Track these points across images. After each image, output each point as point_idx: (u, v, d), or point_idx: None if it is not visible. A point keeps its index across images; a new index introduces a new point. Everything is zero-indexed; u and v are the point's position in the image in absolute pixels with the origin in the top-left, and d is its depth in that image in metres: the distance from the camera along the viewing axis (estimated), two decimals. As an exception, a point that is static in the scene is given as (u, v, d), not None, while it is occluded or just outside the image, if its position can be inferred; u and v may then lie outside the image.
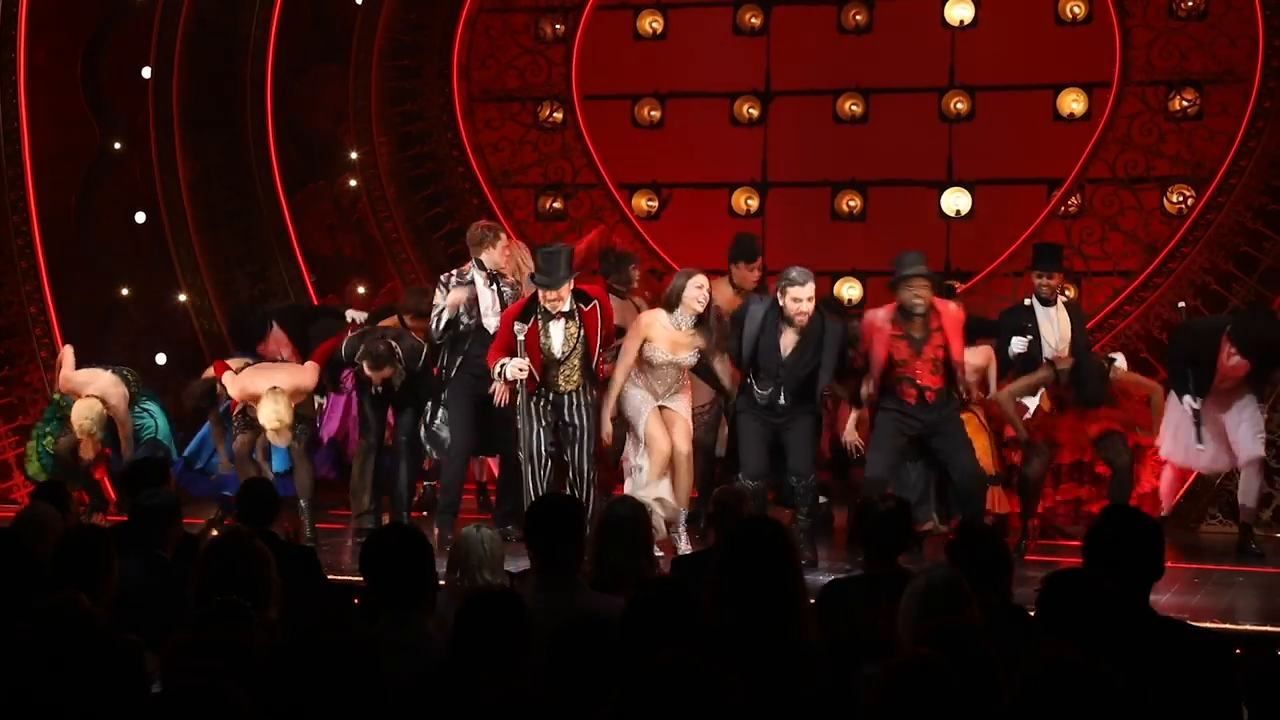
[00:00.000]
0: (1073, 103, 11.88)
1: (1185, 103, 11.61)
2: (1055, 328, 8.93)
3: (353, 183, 12.58)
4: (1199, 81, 11.59)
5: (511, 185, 12.99)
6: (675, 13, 12.60)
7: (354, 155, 12.60)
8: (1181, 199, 11.53)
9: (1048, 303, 8.98)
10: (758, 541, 4.42)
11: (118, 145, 11.62)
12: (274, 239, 12.40)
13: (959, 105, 12.09)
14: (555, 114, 12.95)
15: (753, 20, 12.48)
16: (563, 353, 8.67)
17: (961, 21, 12.09)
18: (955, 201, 11.99)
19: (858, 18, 12.25)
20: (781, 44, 12.49)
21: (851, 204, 12.12)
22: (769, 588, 4.28)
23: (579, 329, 8.67)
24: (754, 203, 12.44)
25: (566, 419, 8.79)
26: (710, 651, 3.66)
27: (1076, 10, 11.83)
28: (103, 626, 4.42)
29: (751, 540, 4.45)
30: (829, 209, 12.01)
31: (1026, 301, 9.21)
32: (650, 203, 12.79)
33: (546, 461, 8.88)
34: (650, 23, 12.68)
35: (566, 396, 8.76)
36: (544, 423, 8.81)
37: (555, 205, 12.87)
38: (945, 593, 4.49)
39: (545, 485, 8.80)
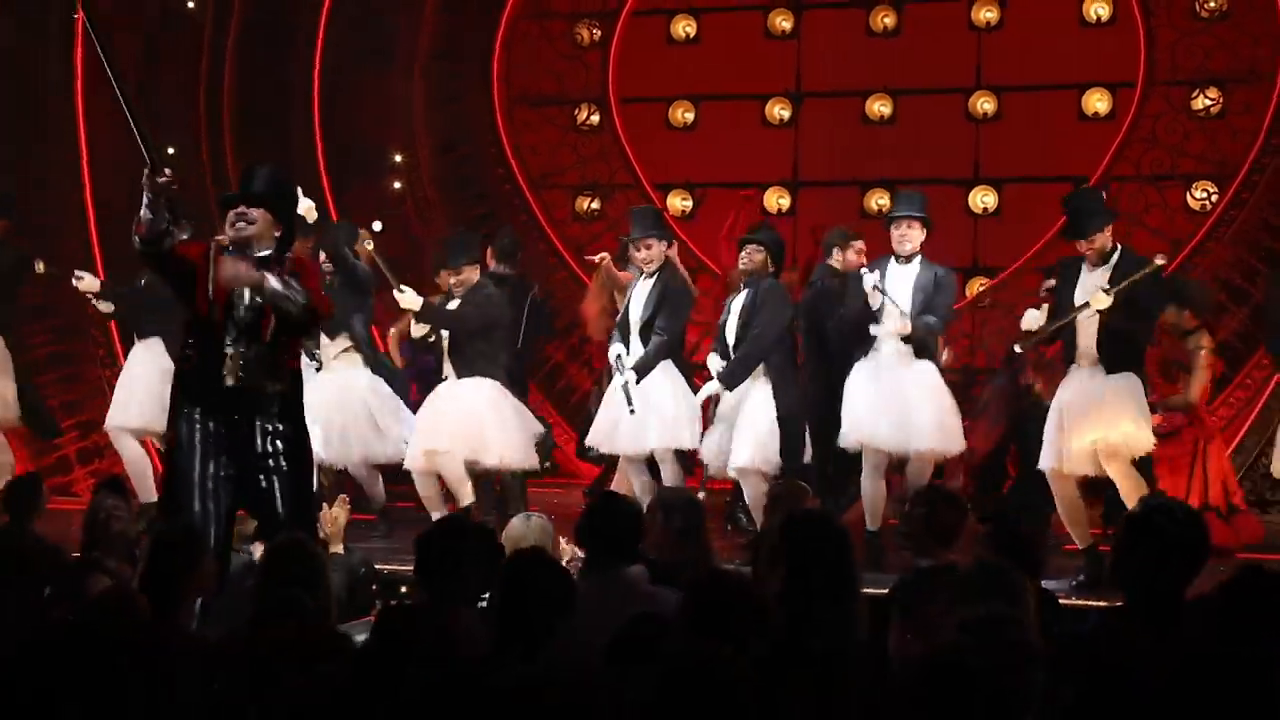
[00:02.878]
0: (1097, 102, 11.80)
1: (1208, 101, 11.56)
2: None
3: (397, 185, 12.53)
4: (1222, 80, 11.52)
5: (550, 186, 13.05)
6: (707, 17, 12.63)
7: (398, 158, 12.57)
8: (1205, 195, 11.48)
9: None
10: (811, 537, 4.38)
11: (171, 150, 11.57)
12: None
13: (985, 105, 12.04)
14: (592, 117, 12.97)
15: (783, 24, 12.49)
16: None
17: (988, 23, 12.04)
18: (982, 199, 11.97)
19: (886, 21, 12.20)
20: (811, 47, 12.50)
21: (880, 202, 12.00)
22: (821, 583, 4.24)
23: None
24: (785, 202, 12.41)
25: None
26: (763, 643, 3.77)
27: (1101, 12, 11.78)
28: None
29: (805, 535, 4.40)
30: (859, 207, 11.96)
31: None
32: (684, 202, 12.71)
33: None
34: (684, 28, 12.70)
35: None
36: None
37: (593, 206, 12.89)
38: (985, 582, 4.39)
39: None
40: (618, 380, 8.63)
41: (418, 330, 9.48)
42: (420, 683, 3.48)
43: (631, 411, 8.44)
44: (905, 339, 8.11)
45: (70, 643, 3.84)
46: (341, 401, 9.06)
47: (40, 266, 9.96)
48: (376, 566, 7.36)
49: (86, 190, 11.29)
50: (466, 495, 8.64)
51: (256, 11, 12.19)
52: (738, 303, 8.64)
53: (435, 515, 8.35)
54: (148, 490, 9.08)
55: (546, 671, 3.66)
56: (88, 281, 9.64)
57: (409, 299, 8.87)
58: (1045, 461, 7.71)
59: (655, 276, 8.68)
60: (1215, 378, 9.21)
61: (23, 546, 5.76)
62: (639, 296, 8.76)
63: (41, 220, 11.09)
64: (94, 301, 9.91)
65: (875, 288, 8.02)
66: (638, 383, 8.45)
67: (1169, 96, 11.61)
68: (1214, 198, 11.39)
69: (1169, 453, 8.46)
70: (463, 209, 12.57)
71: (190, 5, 12.05)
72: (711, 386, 8.69)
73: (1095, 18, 11.76)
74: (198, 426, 6.20)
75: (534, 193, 12.94)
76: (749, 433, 8.45)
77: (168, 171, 5.75)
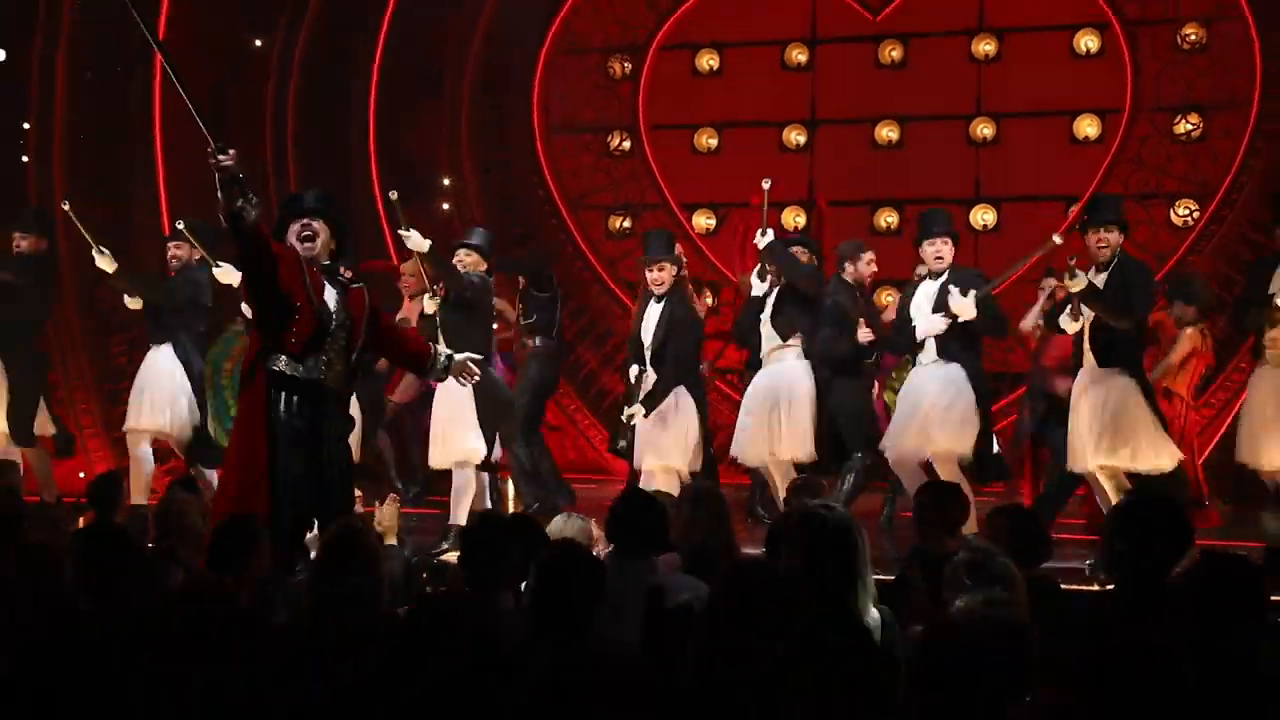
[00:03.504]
0: (1088, 127, 11.84)
1: (1190, 126, 11.55)
2: None
3: (445, 206, 12.63)
4: (1203, 107, 11.52)
5: (585, 207, 13.05)
6: (730, 51, 12.64)
7: (446, 181, 12.65)
8: (1187, 213, 11.49)
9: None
10: (823, 528, 4.39)
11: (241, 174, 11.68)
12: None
13: (985, 131, 12.06)
14: (624, 143, 12.98)
15: (799, 57, 12.51)
16: None
17: (986, 55, 12.08)
18: (982, 217, 11.97)
19: (893, 54, 12.25)
20: (825, 78, 12.50)
21: (889, 220, 12.11)
22: (833, 572, 4.18)
23: None
24: (801, 220, 12.40)
25: None
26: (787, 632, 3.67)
27: (1090, 44, 11.80)
28: (244, 608, 4.48)
29: (818, 527, 4.38)
30: (869, 225, 11.98)
31: None
32: (708, 221, 12.79)
33: None
34: (707, 61, 12.72)
35: None
36: None
37: (624, 225, 12.91)
38: (977, 568, 4.39)
39: None
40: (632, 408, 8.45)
41: None
42: (449, 667, 3.44)
43: (625, 445, 8.40)
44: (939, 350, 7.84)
45: (163, 627, 3.96)
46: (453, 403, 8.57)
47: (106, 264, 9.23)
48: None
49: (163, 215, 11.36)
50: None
51: (317, 48, 12.22)
52: (651, 315, 8.46)
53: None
54: (142, 491, 8.89)
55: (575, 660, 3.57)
56: (105, 260, 9.11)
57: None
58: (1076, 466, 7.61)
59: (665, 300, 8.41)
60: (1206, 371, 9.15)
61: (110, 539, 5.75)
62: (650, 319, 8.47)
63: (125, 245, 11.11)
64: (125, 300, 9.45)
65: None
66: (646, 415, 8.27)
67: (1154, 122, 11.63)
68: (1195, 215, 11.40)
69: None
70: (505, 228, 12.66)
71: (258, 44, 12.18)
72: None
73: (1085, 50, 11.78)
74: (281, 420, 6.17)
75: (571, 213, 12.94)
76: (799, 427, 8.27)
77: (230, 151, 5.64)
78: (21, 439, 9.44)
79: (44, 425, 9.69)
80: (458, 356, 6.95)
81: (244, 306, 8.13)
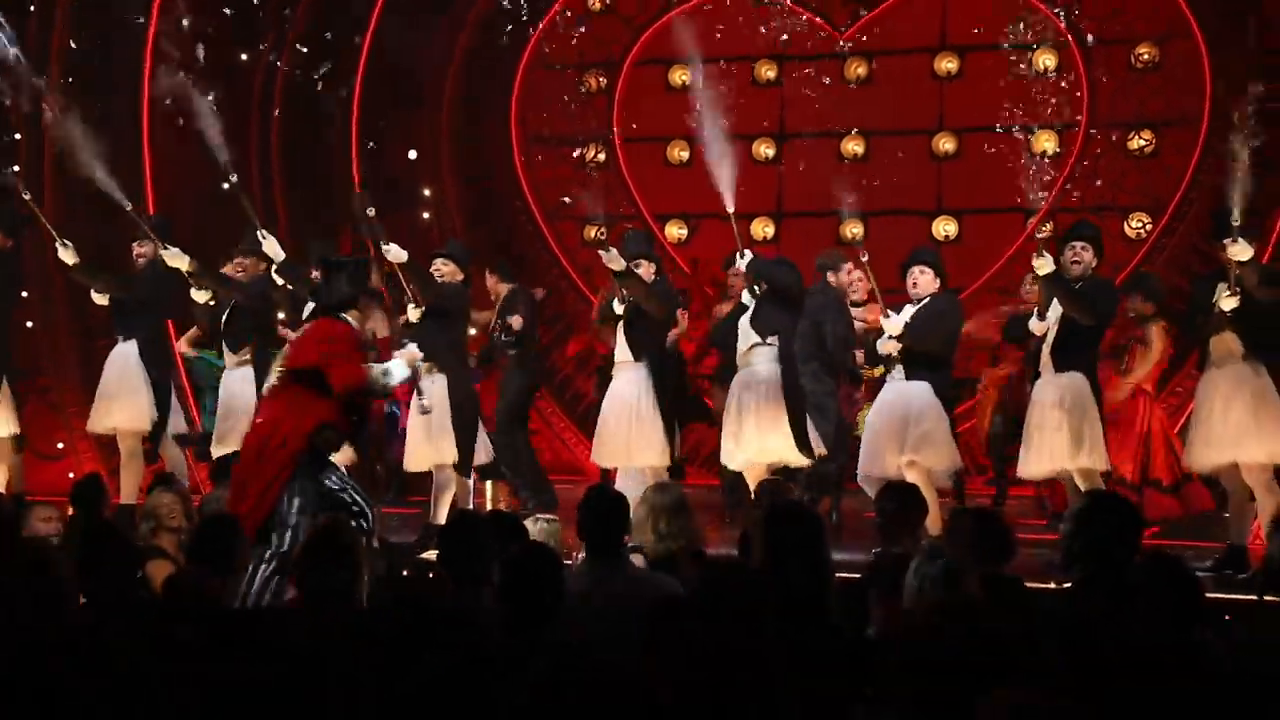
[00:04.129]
0: (1046, 142, 11.85)
1: (1143, 142, 11.61)
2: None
3: (425, 215, 12.58)
4: (1155, 124, 11.57)
5: (562, 217, 13.00)
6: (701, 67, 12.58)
7: (427, 192, 12.61)
8: (1140, 225, 11.54)
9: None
10: (788, 525, 4.37)
11: (226, 185, 11.56)
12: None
13: (947, 145, 12.11)
14: (599, 155, 12.95)
15: (768, 73, 12.56)
16: None
17: (948, 73, 12.13)
18: (944, 228, 12.02)
19: (859, 71, 12.29)
20: (793, 94, 12.51)
21: (855, 231, 11.98)
22: (794, 571, 4.19)
23: None
24: (770, 230, 12.47)
25: None
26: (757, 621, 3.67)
27: (1048, 62, 11.82)
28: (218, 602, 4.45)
29: (785, 525, 4.37)
30: (835, 236, 11.95)
31: None
32: (680, 230, 12.76)
33: None
34: (679, 76, 12.68)
35: None
36: None
37: (600, 234, 12.86)
38: (930, 567, 4.51)
39: None
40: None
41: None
42: (437, 662, 3.45)
43: None
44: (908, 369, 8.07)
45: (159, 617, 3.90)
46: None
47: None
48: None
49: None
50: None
51: (300, 62, 12.19)
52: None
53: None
54: (132, 491, 8.82)
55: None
56: (68, 253, 8.92)
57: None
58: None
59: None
60: (1167, 364, 9.16)
61: (97, 535, 5.78)
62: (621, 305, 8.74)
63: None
64: (93, 295, 9.26)
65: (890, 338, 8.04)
66: None
67: (1108, 138, 11.65)
68: (1148, 227, 11.44)
69: (1116, 435, 8.37)
70: (484, 237, 12.63)
71: (244, 58, 12.06)
72: None
73: (1043, 68, 11.78)
74: None
75: (548, 223, 12.93)
76: (779, 429, 8.26)
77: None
78: None
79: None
80: (398, 354, 6.92)
81: (285, 331, 8.59)
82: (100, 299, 9.24)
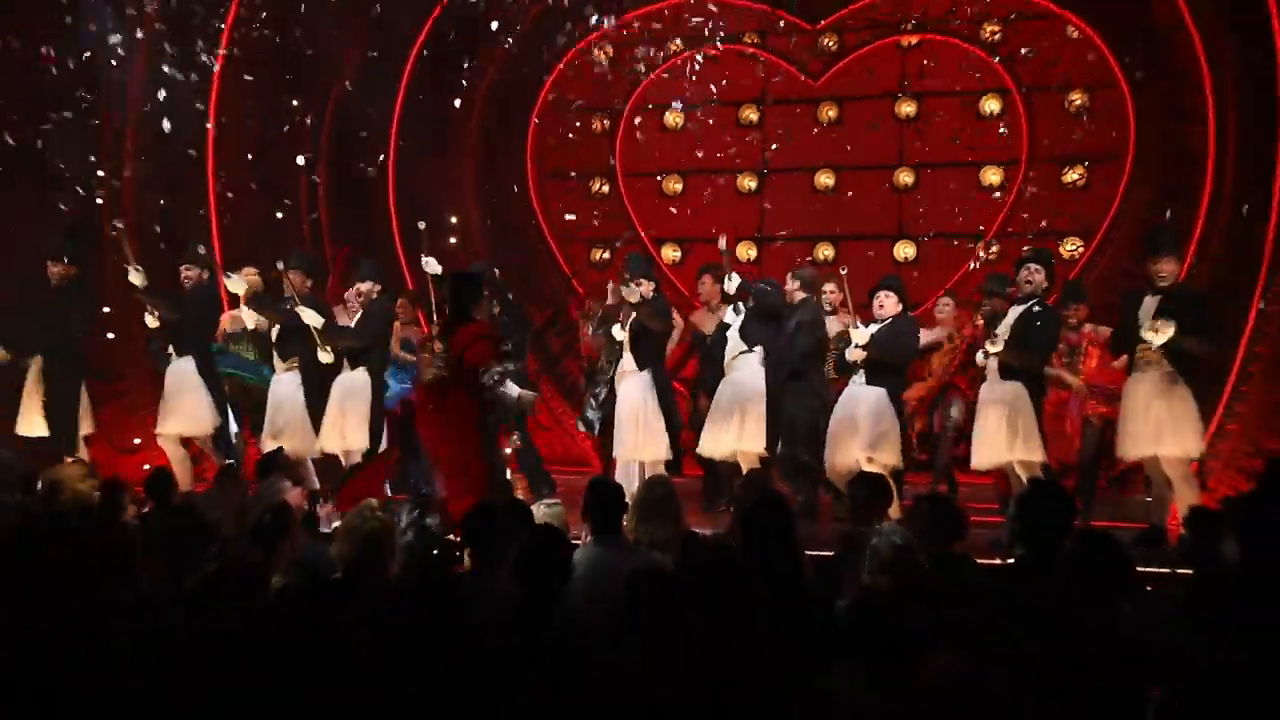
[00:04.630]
0: (992, 176, 11.83)
1: (1076, 176, 11.56)
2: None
3: (453, 240, 12.57)
4: (1086, 160, 11.53)
5: (571, 241, 13.00)
6: (692, 112, 12.61)
7: (454, 219, 12.60)
8: (1074, 248, 11.49)
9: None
10: (764, 511, 4.39)
11: (280, 214, 11.57)
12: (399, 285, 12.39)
13: (906, 179, 12.07)
14: (603, 187, 12.94)
15: (751, 116, 12.53)
16: None
17: (908, 116, 12.10)
18: (904, 251, 11.97)
19: (830, 114, 12.27)
20: (773, 134, 12.48)
21: (826, 254, 12.12)
22: (774, 545, 4.24)
23: None
24: (753, 253, 12.43)
25: None
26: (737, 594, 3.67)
27: (993, 107, 11.81)
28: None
29: (760, 510, 4.42)
30: (810, 257, 11.98)
31: None
32: (675, 253, 12.77)
33: None
34: (673, 120, 12.68)
35: None
36: None
37: (604, 256, 12.90)
38: (895, 549, 4.51)
39: None
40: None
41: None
42: (462, 635, 3.43)
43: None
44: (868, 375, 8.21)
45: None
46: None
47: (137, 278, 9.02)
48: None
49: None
50: None
51: (346, 107, 12.10)
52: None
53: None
54: (187, 482, 8.89)
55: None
56: (138, 276, 8.97)
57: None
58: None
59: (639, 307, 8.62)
60: (1101, 363, 9.07)
61: (167, 524, 5.78)
62: (625, 321, 8.79)
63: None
64: (145, 316, 9.22)
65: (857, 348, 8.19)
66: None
67: (1045, 172, 11.63)
68: (1080, 249, 11.41)
69: (1054, 427, 8.47)
70: (504, 259, 12.66)
71: (295, 103, 12.06)
72: None
73: (989, 111, 11.79)
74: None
75: (560, 245, 12.93)
76: (759, 425, 8.42)
77: None
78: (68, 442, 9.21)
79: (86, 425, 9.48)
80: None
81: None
82: (151, 321, 9.22)
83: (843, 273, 8.66)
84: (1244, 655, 3.22)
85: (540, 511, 5.79)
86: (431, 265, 8.74)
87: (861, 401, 8.16)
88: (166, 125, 9.98)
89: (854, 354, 8.19)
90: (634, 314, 8.62)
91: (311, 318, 8.75)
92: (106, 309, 9.89)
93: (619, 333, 8.81)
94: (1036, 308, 7.84)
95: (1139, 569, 6.37)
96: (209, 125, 10.86)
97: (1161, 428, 7.51)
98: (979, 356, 8.05)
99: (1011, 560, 4.86)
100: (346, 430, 8.75)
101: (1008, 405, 7.77)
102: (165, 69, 9.97)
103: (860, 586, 4.48)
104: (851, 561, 4.86)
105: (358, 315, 9.02)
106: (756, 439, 8.42)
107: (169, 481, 7.08)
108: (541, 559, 4.12)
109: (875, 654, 3.12)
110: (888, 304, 8.28)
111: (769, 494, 5.28)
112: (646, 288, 8.64)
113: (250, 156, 11.17)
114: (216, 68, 10.74)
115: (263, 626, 3.44)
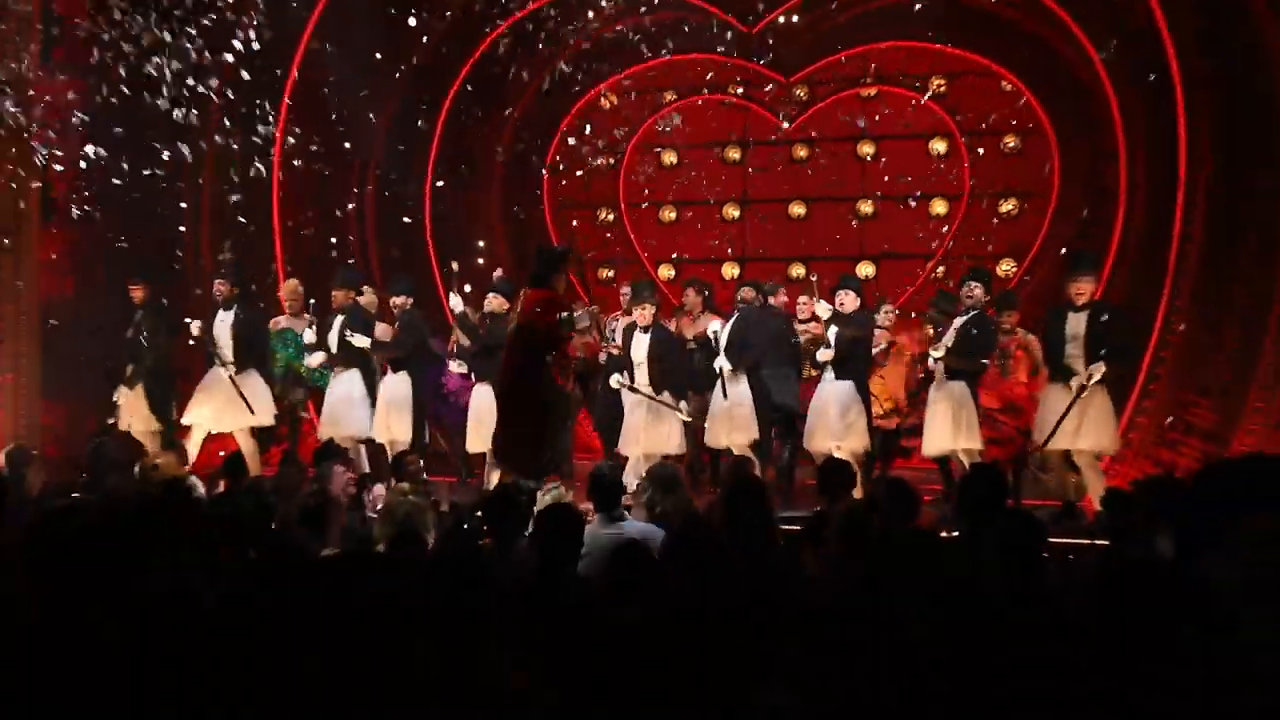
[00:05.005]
0: (939, 207, 11.90)
1: (1010, 207, 11.66)
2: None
3: (480, 260, 12.59)
4: (1019, 193, 11.62)
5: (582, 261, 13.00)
6: (684, 150, 12.70)
7: (481, 243, 12.63)
8: (1009, 268, 11.55)
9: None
10: (745, 494, 4.44)
11: (334, 239, 11.54)
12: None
13: (866, 209, 12.13)
14: (608, 215, 12.99)
15: (734, 155, 12.56)
16: None
17: (868, 156, 12.16)
18: (865, 270, 11.94)
19: (801, 153, 12.33)
20: (753, 169, 12.51)
21: (798, 272, 12.16)
22: (750, 517, 4.29)
23: None
24: (735, 271, 12.41)
25: None
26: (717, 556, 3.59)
27: (940, 148, 11.90)
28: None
29: (741, 493, 4.46)
30: (785, 276, 12.02)
31: None
32: (670, 271, 12.80)
33: None
34: (668, 158, 12.75)
35: None
36: None
37: (608, 274, 12.94)
38: (855, 523, 4.46)
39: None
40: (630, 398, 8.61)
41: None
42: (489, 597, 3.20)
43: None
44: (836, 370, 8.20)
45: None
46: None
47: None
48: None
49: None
50: None
51: (391, 148, 12.10)
52: (640, 343, 8.59)
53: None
54: (256, 468, 8.57)
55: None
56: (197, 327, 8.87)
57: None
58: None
59: (649, 330, 8.51)
60: (1034, 365, 9.01)
61: (237, 504, 5.78)
62: (639, 344, 8.53)
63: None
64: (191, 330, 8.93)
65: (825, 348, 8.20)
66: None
67: (985, 203, 11.71)
68: (1013, 269, 11.47)
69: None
70: (525, 275, 12.63)
71: (347, 145, 12.07)
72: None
73: (937, 152, 11.87)
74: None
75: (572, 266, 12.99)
76: (744, 419, 8.36)
77: None
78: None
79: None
80: None
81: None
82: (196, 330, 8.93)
83: (813, 279, 8.69)
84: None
85: (543, 497, 5.77)
86: (456, 303, 8.91)
87: (831, 396, 8.17)
88: (260, 168, 10.03)
89: (825, 355, 8.21)
90: (647, 334, 8.55)
91: (360, 341, 8.82)
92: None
93: (637, 353, 8.62)
94: (976, 318, 7.94)
95: (1064, 540, 6.51)
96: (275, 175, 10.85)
97: (1080, 426, 7.58)
98: (929, 361, 8.11)
99: (956, 534, 4.91)
100: (391, 424, 8.84)
101: (954, 401, 7.86)
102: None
103: (826, 555, 4.53)
104: (816, 537, 4.95)
105: (395, 328, 9.07)
106: (748, 430, 8.40)
107: (242, 466, 7.19)
108: (557, 531, 4.06)
109: (824, 608, 3.12)
110: (848, 301, 8.16)
111: (749, 480, 5.31)
112: (650, 311, 8.54)
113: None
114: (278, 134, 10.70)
115: (311, 592, 3.42)
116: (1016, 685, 2.69)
